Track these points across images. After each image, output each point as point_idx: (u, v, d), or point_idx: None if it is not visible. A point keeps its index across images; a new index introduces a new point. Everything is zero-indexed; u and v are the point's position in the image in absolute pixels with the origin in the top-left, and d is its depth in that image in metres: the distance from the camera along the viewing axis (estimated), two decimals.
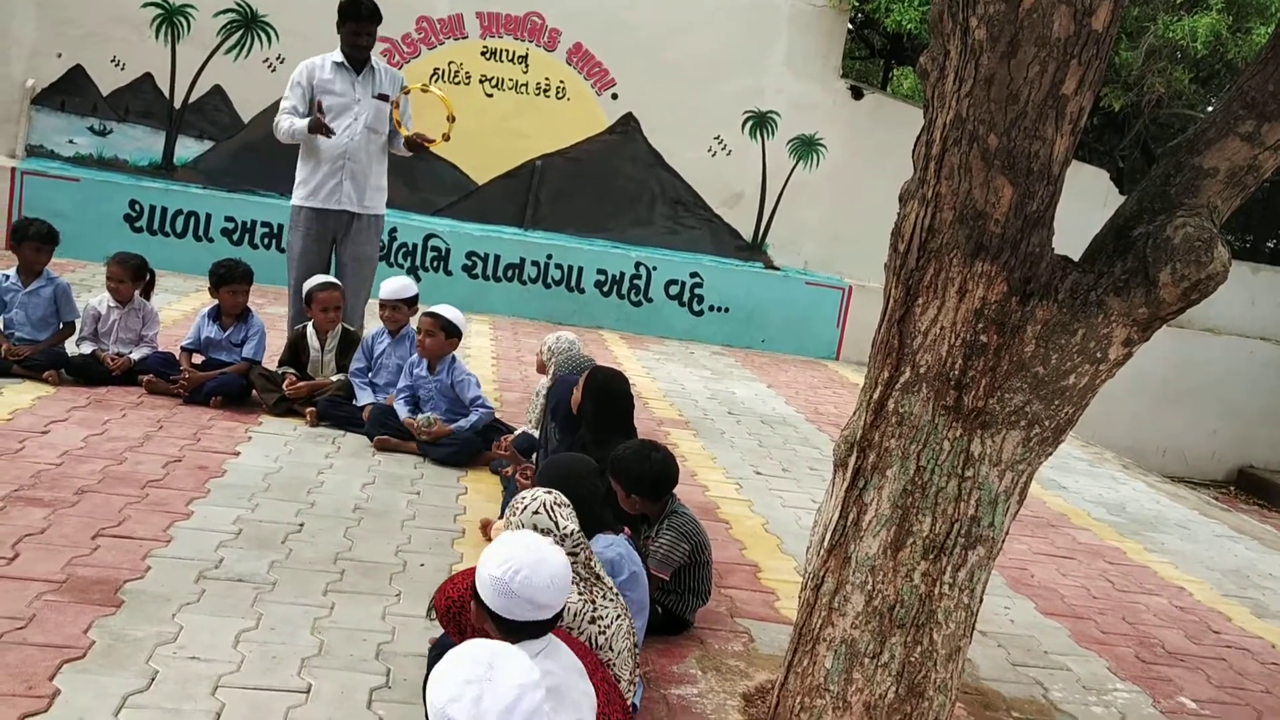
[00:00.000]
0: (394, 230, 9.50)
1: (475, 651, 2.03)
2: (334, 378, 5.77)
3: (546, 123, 10.20)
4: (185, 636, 3.12)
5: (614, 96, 10.29)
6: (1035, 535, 5.64)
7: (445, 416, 5.37)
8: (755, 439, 6.77)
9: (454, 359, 5.52)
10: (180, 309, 7.84)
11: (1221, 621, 4.81)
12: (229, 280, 5.75)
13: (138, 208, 9.31)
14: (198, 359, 5.80)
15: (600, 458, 3.68)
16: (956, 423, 2.72)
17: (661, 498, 3.72)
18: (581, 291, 10.15)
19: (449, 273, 9.87)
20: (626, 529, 3.61)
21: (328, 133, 5.86)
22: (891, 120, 10.49)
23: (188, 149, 9.70)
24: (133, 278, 5.75)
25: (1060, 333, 2.65)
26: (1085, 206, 8.84)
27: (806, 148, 10.65)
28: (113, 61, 9.45)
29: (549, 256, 10.07)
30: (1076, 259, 2.79)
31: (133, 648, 3.01)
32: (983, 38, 2.49)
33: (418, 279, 9.26)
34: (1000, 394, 2.69)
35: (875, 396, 2.83)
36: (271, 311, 7.68)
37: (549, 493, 2.91)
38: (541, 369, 5.36)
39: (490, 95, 10.09)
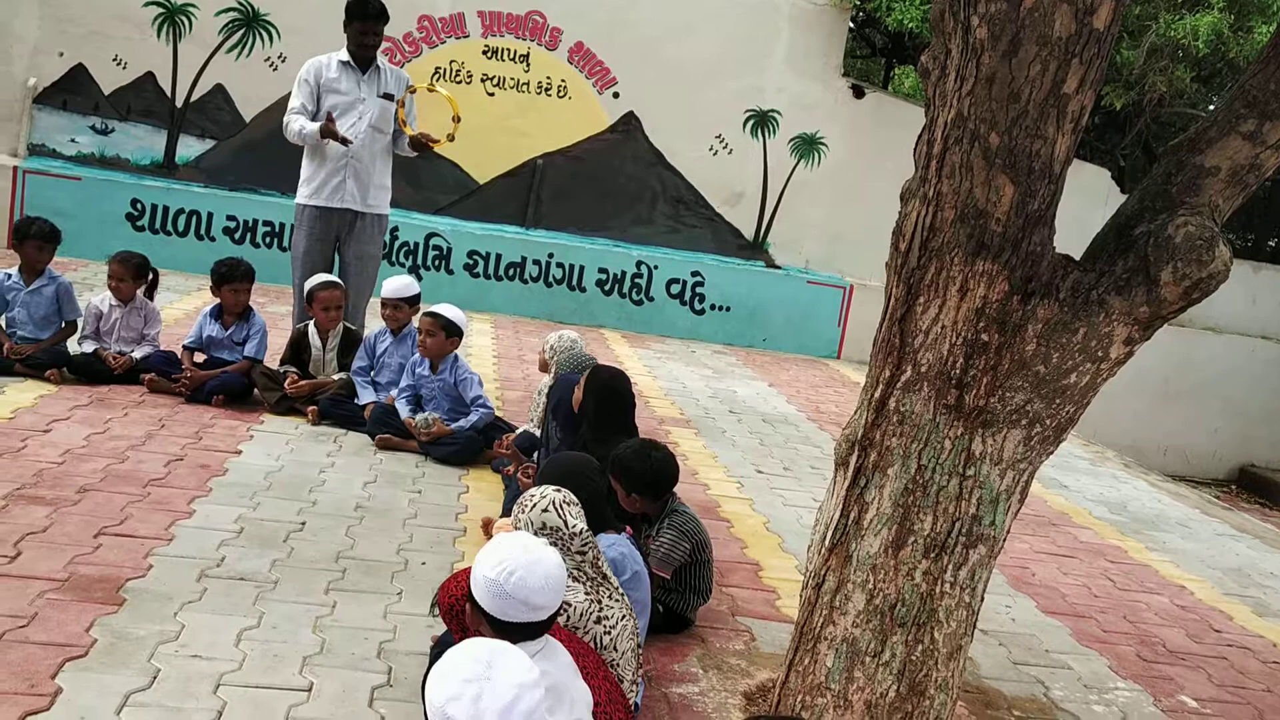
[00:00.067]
0: (395, 229, 9.50)
1: (475, 650, 2.02)
2: (335, 376, 5.78)
3: (548, 122, 10.20)
4: (187, 635, 3.12)
5: (615, 95, 10.29)
6: (1036, 534, 5.64)
7: (447, 416, 5.38)
8: (756, 438, 6.77)
9: (456, 358, 5.52)
10: (182, 308, 7.85)
11: (1223, 620, 4.82)
12: (231, 279, 5.75)
13: (139, 206, 9.32)
14: (199, 358, 5.81)
15: (601, 456, 3.69)
16: (958, 421, 2.72)
17: (662, 497, 3.72)
18: (583, 290, 10.16)
19: (450, 271, 9.87)
20: (628, 528, 3.61)
21: (344, 141, 5.88)
22: (893, 119, 10.49)
23: (189, 148, 9.71)
24: (134, 276, 5.76)
25: (1061, 331, 2.65)
26: (1086, 205, 8.85)
27: (808, 147, 10.65)
28: (114, 60, 9.46)
29: (550, 255, 10.08)
30: (1078, 258, 2.79)
31: (135, 646, 3.01)
32: (984, 36, 2.49)
33: (419, 278, 9.26)
34: (1001, 393, 2.69)
35: (876, 395, 2.83)
36: (273, 310, 7.69)
37: (558, 490, 2.91)
38: (544, 368, 5.37)
39: (492, 94, 10.09)
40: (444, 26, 9.96)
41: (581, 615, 2.80)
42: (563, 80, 10.19)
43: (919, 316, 2.74)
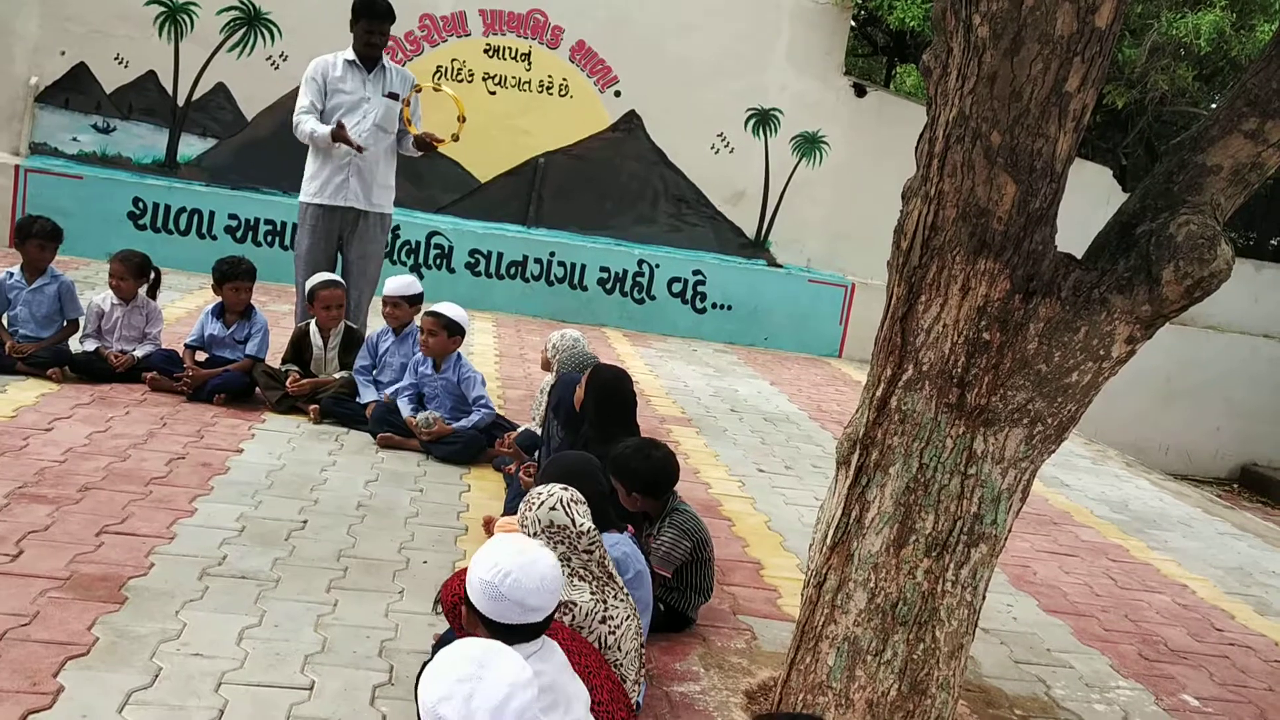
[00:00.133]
0: (397, 228, 9.50)
1: (467, 650, 2.02)
2: (337, 375, 5.78)
3: (549, 120, 10.19)
4: (189, 633, 3.13)
5: (617, 94, 10.28)
6: (1038, 533, 5.64)
7: (449, 415, 5.38)
8: (758, 436, 6.77)
9: (459, 357, 5.53)
10: (184, 306, 7.85)
11: (1224, 619, 4.81)
12: (232, 277, 5.76)
13: (141, 205, 9.32)
14: (201, 356, 5.81)
15: (602, 455, 3.69)
16: (959, 420, 2.72)
17: (662, 496, 3.72)
18: (584, 289, 10.16)
19: (452, 270, 9.87)
20: (630, 527, 3.61)
21: (359, 148, 5.89)
22: (894, 118, 10.48)
23: (191, 146, 9.71)
24: (135, 275, 5.76)
25: (1063, 330, 2.65)
26: (1088, 204, 8.84)
27: (809, 145, 10.64)
28: (116, 59, 9.45)
29: (552, 254, 10.07)
30: (1079, 256, 2.79)
31: (136, 644, 3.01)
32: (986, 35, 2.48)
33: (421, 276, 9.26)
34: (1003, 391, 2.69)
35: (878, 394, 2.83)
36: (275, 309, 7.69)
37: (565, 489, 2.90)
38: (546, 366, 5.37)
39: (493, 93, 10.09)
40: (445, 25, 9.95)
41: (587, 615, 2.79)
42: (564, 79, 10.18)
43: (921, 315, 2.74)
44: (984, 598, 2.89)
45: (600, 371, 4.47)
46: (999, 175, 2.56)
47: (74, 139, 9.49)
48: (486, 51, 10.05)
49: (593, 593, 2.83)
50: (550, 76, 10.17)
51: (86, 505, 3.95)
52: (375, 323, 6.14)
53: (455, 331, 5.43)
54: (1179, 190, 2.72)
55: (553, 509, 2.82)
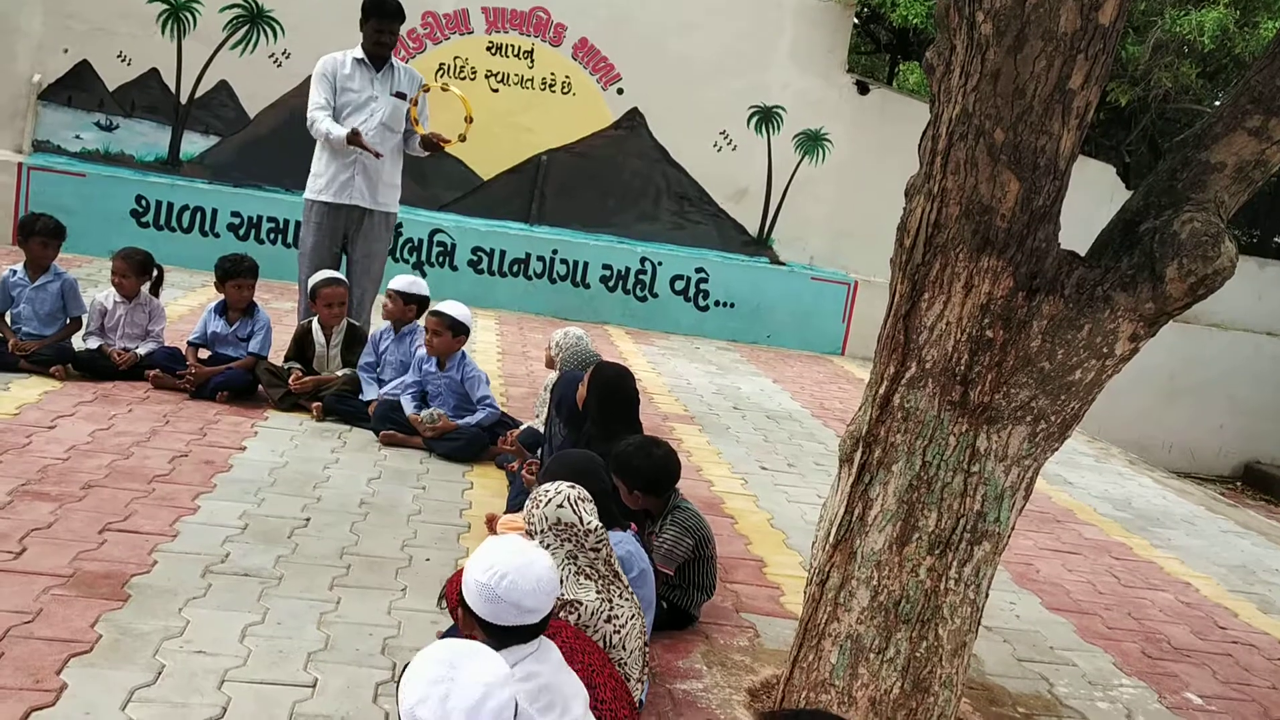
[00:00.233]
0: (400, 226, 9.47)
1: (439, 653, 2.03)
2: (339, 373, 5.78)
3: (552, 118, 10.19)
4: (192, 631, 3.13)
5: (619, 92, 10.28)
6: (1041, 531, 5.64)
7: (453, 413, 5.38)
8: (760, 434, 6.77)
9: (464, 355, 5.53)
10: (186, 304, 7.86)
11: (1227, 617, 4.81)
12: (235, 275, 5.76)
13: (144, 203, 9.33)
14: (204, 354, 5.81)
15: (605, 453, 3.68)
16: (962, 418, 2.72)
17: (664, 494, 3.72)
18: (587, 287, 10.15)
19: (454, 268, 9.87)
20: (634, 525, 3.61)
21: (376, 154, 5.90)
22: (897, 115, 10.47)
23: (194, 144, 9.71)
24: (137, 272, 5.76)
25: (1066, 328, 2.65)
26: (1091, 201, 8.83)
27: (812, 143, 10.64)
28: (119, 57, 9.46)
29: (554, 252, 10.07)
30: (1083, 254, 2.79)
31: (139, 642, 3.02)
32: (989, 32, 2.48)
33: (423, 274, 9.27)
34: (1006, 389, 2.69)
35: (881, 392, 2.83)
36: (277, 306, 7.70)
37: (573, 487, 2.89)
38: (550, 364, 5.37)
39: (496, 90, 10.09)
40: (448, 23, 9.95)
41: (593, 614, 2.79)
42: (567, 76, 10.18)
43: (924, 313, 2.73)
44: (987, 595, 2.89)
45: (603, 369, 4.47)
46: (1002, 172, 2.56)
47: (77, 136, 9.50)
48: (489, 49, 10.05)
49: (598, 592, 2.83)
50: (553, 74, 10.17)
51: (89, 503, 3.95)
52: (378, 321, 6.15)
53: (459, 331, 5.43)
54: (1183, 188, 2.71)
55: (560, 506, 2.82)
